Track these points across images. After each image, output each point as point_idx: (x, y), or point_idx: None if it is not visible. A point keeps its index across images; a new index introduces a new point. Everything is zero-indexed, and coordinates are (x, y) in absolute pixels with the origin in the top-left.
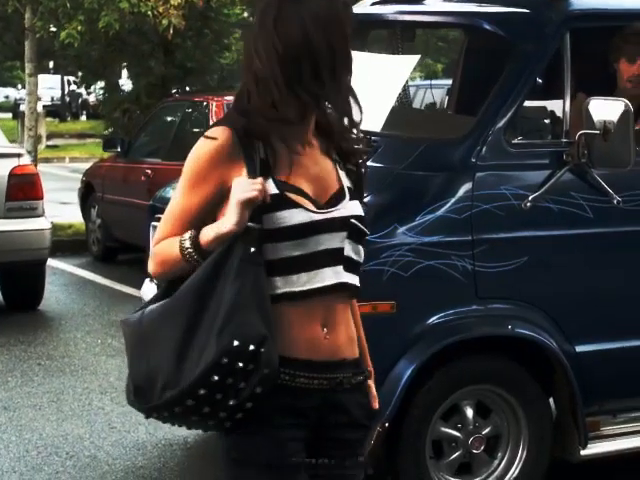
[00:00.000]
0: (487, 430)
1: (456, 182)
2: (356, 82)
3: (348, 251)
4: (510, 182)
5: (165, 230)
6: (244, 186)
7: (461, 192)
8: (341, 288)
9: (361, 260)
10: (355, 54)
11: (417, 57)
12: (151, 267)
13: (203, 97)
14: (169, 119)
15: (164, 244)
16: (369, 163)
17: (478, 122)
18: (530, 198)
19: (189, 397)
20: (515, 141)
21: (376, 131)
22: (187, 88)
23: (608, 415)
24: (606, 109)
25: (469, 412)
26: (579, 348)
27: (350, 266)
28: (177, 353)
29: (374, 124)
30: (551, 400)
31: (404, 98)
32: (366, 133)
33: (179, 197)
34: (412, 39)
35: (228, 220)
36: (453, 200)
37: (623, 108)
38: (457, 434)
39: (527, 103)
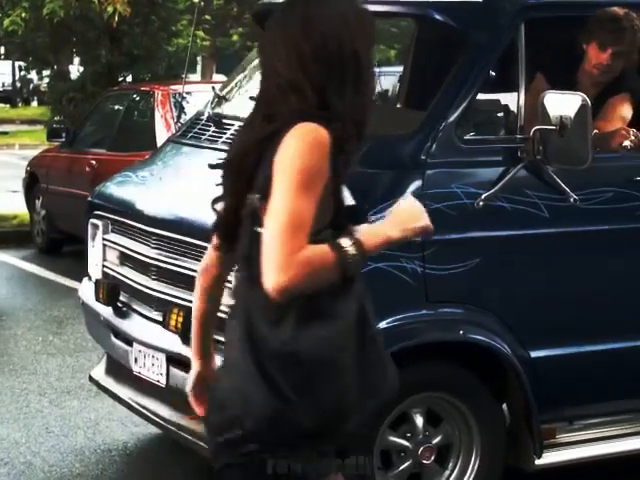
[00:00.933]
0: (438, 439)
1: (405, 180)
2: None
3: None
4: (462, 180)
5: (296, 241)
6: (423, 212)
7: (410, 191)
8: None
9: None
10: None
11: None
12: (294, 278)
13: (149, 86)
14: (114, 108)
15: (311, 253)
16: None
17: (428, 117)
18: (483, 197)
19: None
20: (467, 137)
21: None
22: (134, 76)
23: (564, 422)
24: (562, 103)
25: (419, 421)
26: (534, 353)
27: None
28: (360, 378)
29: None
30: (505, 407)
31: None
32: None
33: (298, 201)
34: None
35: (400, 227)
36: None
37: (580, 102)
38: (406, 444)
39: (480, 97)
